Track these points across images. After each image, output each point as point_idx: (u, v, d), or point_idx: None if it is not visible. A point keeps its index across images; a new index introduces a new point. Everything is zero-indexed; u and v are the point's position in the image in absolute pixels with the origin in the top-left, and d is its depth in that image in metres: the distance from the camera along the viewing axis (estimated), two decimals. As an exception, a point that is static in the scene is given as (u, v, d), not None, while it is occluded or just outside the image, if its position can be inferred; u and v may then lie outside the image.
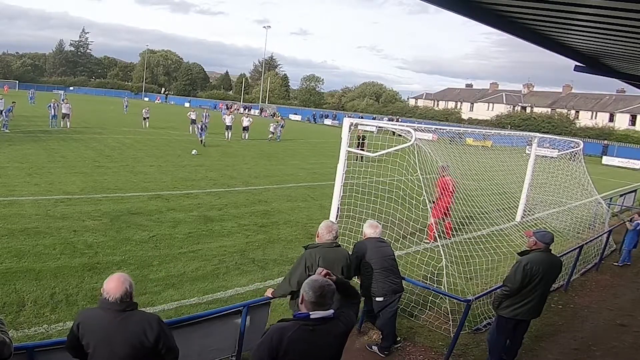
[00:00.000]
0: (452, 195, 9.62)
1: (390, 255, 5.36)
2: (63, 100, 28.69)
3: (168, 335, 3.11)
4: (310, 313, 2.75)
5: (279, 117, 40.71)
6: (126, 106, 44.91)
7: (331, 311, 2.79)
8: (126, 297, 2.97)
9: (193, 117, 30.23)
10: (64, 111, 25.69)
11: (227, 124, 28.18)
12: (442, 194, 9.45)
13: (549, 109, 67.61)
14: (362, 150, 28.38)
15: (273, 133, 30.66)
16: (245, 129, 29.38)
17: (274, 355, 2.67)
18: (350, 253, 5.09)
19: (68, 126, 25.33)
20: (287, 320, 2.81)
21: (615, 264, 10.01)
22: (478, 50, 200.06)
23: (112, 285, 2.96)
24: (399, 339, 5.70)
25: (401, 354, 5.60)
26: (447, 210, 9.80)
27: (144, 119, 31.52)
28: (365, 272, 5.22)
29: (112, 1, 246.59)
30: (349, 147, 7.17)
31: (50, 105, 25.40)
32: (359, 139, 25.22)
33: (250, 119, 30.94)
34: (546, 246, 5.04)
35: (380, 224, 5.59)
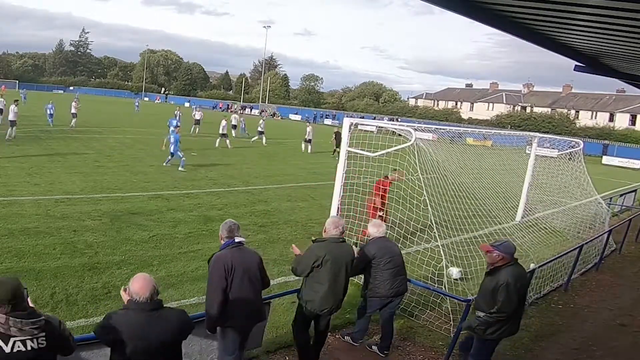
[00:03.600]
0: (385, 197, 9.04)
1: (398, 254, 5.40)
2: (76, 99, 29.51)
3: (192, 324, 3.41)
4: (235, 238, 4.10)
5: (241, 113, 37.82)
6: (137, 105, 47.59)
7: (244, 239, 4.18)
8: (155, 295, 3.05)
9: (197, 117, 29.46)
10: (73, 111, 26.43)
11: (233, 123, 29.91)
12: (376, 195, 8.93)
13: (549, 109, 67.63)
14: (338, 147, 28.01)
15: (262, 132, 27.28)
16: (234, 127, 30.67)
17: (227, 272, 3.92)
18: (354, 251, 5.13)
19: (74, 125, 25.82)
20: (220, 251, 4.08)
21: None
22: (480, 50, 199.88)
23: (139, 286, 3.02)
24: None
25: (401, 353, 5.61)
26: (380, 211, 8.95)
27: (222, 135, 23.53)
28: (374, 272, 5.24)
29: (118, 2, 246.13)
30: (349, 147, 7.18)
31: (49, 107, 26.34)
32: (334, 135, 25.33)
33: (236, 116, 32.41)
34: (512, 257, 4.61)
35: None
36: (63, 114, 29.08)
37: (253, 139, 27.48)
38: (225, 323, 4.05)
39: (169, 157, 16.41)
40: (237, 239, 4.10)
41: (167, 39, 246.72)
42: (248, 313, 4.10)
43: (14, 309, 2.50)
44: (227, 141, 23.60)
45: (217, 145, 23.12)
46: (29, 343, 2.55)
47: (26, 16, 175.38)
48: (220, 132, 23.79)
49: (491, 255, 4.60)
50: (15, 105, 19.67)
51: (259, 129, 27.69)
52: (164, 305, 3.14)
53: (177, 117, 24.48)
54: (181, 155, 16.14)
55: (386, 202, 9.13)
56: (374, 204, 8.87)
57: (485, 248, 4.69)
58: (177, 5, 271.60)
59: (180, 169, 15.73)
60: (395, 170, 8.99)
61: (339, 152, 23.25)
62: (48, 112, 26.39)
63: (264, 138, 27.20)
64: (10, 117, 19.33)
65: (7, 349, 2.49)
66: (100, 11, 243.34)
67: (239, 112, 61.03)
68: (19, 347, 2.51)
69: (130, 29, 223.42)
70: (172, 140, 16.31)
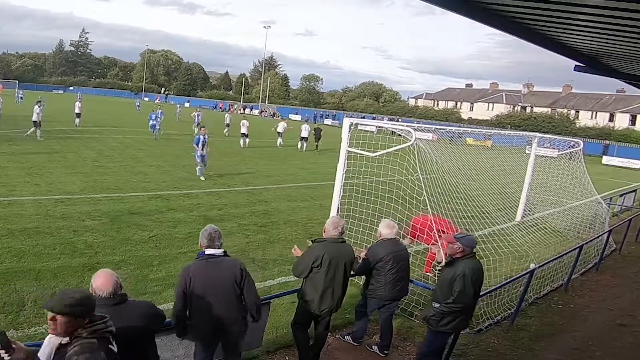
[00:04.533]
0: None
1: (404, 259, 5.37)
2: (79, 98, 30.90)
3: (161, 313, 3.41)
4: (205, 251, 3.90)
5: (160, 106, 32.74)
6: (138, 106, 49.56)
7: (222, 251, 3.93)
8: (119, 289, 3.07)
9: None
10: (77, 110, 27.47)
11: (226, 122, 31.36)
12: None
13: (549, 109, 67.62)
14: (318, 142, 28.39)
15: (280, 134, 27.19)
16: (227, 125, 31.35)
17: (186, 285, 3.78)
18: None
19: (78, 124, 26.99)
20: (191, 262, 3.97)
21: None
22: (481, 51, 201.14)
23: (102, 282, 3.03)
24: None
25: (401, 353, 5.61)
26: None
27: (243, 135, 24.89)
28: (378, 274, 5.23)
29: (120, 2, 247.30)
30: (349, 147, 7.17)
31: (39, 101, 28.31)
32: (315, 131, 26.17)
33: (229, 116, 33.41)
34: (472, 250, 4.66)
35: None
36: (63, 113, 29.15)
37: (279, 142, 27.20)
38: (190, 334, 3.95)
39: (202, 166, 14.75)
40: (207, 251, 3.89)
41: (168, 39, 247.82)
42: (211, 329, 3.87)
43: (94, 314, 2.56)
44: (247, 140, 24.81)
45: (242, 146, 24.45)
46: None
47: (28, 16, 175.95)
48: (242, 132, 25.20)
49: (452, 246, 4.67)
50: (38, 106, 20.58)
51: (279, 129, 27.35)
52: (129, 299, 3.17)
53: (158, 113, 25.49)
54: (199, 162, 14.75)
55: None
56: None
57: (448, 239, 4.75)
58: (179, 5, 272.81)
59: (199, 173, 14.68)
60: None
61: (316, 146, 22.41)
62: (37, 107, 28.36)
63: (280, 140, 27.00)
64: (33, 118, 20.24)
65: (115, 349, 2.56)
66: (102, 11, 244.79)
67: (236, 111, 61.40)
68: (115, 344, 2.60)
69: (132, 29, 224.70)
70: (198, 144, 14.53)
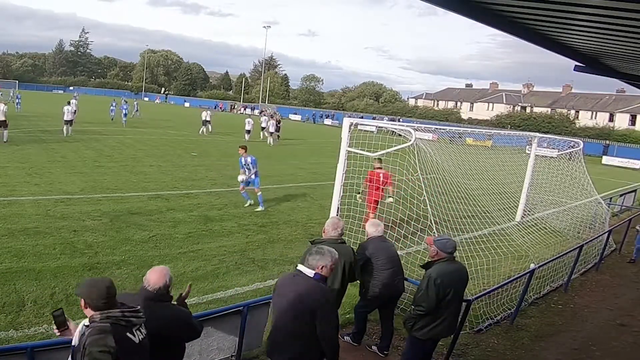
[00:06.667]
0: (381, 189, 9.54)
1: (395, 255, 5.39)
2: (75, 97, 34.57)
3: (195, 328, 3.35)
4: (298, 266, 3.64)
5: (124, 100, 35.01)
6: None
7: (312, 272, 3.52)
8: (164, 289, 3.16)
9: (204, 117, 31.08)
10: (74, 108, 28.33)
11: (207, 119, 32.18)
12: (370, 187, 9.32)
13: (549, 109, 67.62)
14: (279, 134, 29.52)
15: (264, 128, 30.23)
16: (207, 122, 31.80)
17: (275, 288, 3.78)
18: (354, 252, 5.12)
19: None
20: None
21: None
22: (482, 51, 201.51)
23: (154, 276, 3.16)
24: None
25: (401, 353, 5.60)
26: (375, 204, 9.62)
27: (248, 131, 28.43)
28: (372, 272, 5.23)
29: (123, 2, 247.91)
30: (348, 147, 7.17)
31: (17, 96, 35.65)
32: (278, 123, 28.37)
33: (211, 113, 33.69)
34: (449, 255, 4.54)
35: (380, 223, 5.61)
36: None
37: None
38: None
39: (252, 196, 11.56)
40: (300, 268, 3.64)
41: (169, 39, 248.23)
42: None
43: (115, 303, 2.71)
44: (247, 136, 27.90)
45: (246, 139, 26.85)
46: (142, 330, 2.77)
47: (30, 16, 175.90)
48: (246, 129, 28.53)
49: (429, 248, 4.66)
50: (70, 107, 22.16)
51: (272, 129, 28.72)
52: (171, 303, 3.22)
53: (115, 105, 29.61)
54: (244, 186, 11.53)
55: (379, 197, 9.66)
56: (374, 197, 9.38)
57: (428, 241, 4.73)
58: (182, 6, 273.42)
59: (260, 207, 11.36)
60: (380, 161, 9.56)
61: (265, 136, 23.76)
62: (17, 100, 35.06)
63: (269, 138, 28.43)
64: (66, 117, 21.86)
65: (136, 339, 2.68)
66: (105, 12, 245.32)
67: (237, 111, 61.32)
68: (140, 335, 2.73)
69: (133, 29, 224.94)
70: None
